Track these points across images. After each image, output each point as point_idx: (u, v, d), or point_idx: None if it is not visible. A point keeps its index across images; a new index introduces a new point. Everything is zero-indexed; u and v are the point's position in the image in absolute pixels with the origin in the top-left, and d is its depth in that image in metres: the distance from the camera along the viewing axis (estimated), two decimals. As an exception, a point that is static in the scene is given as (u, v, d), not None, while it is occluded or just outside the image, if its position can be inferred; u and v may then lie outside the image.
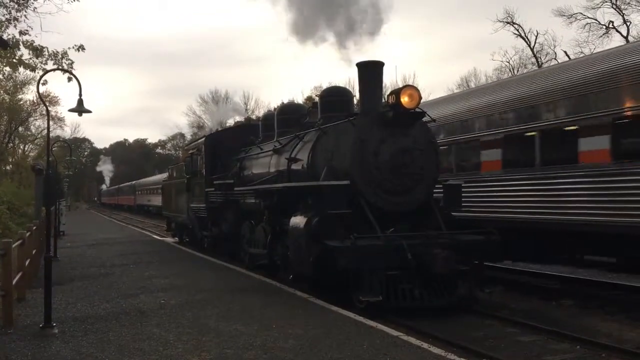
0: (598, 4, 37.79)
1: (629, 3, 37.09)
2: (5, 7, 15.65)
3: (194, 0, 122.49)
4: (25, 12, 15.82)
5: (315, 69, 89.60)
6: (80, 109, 8.49)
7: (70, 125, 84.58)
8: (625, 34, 37.93)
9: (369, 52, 12.45)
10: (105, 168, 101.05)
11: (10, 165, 48.46)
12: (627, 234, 9.29)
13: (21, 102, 45.21)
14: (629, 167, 9.20)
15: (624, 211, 9.23)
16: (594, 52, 28.73)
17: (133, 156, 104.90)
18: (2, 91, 38.51)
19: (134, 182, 62.19)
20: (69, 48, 15.60)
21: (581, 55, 30.43)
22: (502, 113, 11.97)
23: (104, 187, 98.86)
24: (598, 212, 9.71)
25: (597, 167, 9.73)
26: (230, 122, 31.59)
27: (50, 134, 10.10)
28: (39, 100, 40.00)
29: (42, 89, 13.11)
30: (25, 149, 55.89)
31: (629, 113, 9.25)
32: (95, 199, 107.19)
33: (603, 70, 9.90)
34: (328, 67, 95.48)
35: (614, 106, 9.47)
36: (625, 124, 9.34)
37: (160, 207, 35.46)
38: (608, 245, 10.11)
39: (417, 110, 9.94)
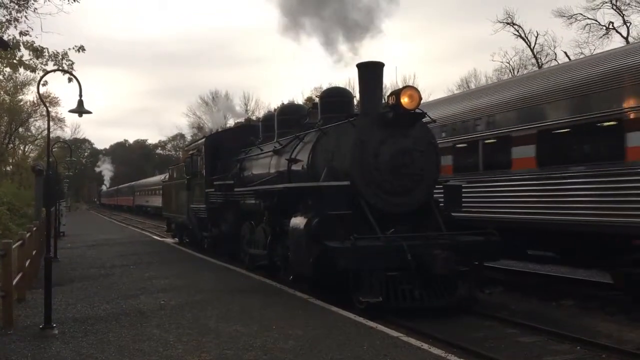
0: (598, 5, 37.82)
1: (629, 4, 37.12)
2: (6, 7, 15.68)
3: (194, 0, 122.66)
4: (26, 12, 15.87)
5: (315, 69, 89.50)
6: (80, 109, 8.50)
7: (71, 126, 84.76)
8: (625, 34, 37.99)
9: (365, 49, 12.58)
10: (105, 168, 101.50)
11: (11, 166, 48.50)
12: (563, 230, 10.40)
13: (21, 103, 45.33)
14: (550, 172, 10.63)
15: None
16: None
17: (133, 157, 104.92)
18: (2, 92, 38.56)
19: (132, 183, 63.24)
20: (69, 49, 15.66)
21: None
22: (451, 124, 13.49)
23: (103, 187, 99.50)
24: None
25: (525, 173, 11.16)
26: (230, 123, 31.59)
27: (51, 135, 10.10)
28: (39, 101, 40.13)
29: (42, 89, 13.15)
30: (26, 149, 55.97)
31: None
32: (95, 199, 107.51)
33: (532, 90, 11.47)
34: (327, 67, 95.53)
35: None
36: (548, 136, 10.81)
37: (158, 207, 36.47)
38: (549, 240, 11.12)
39: (417, 111, 9.94)
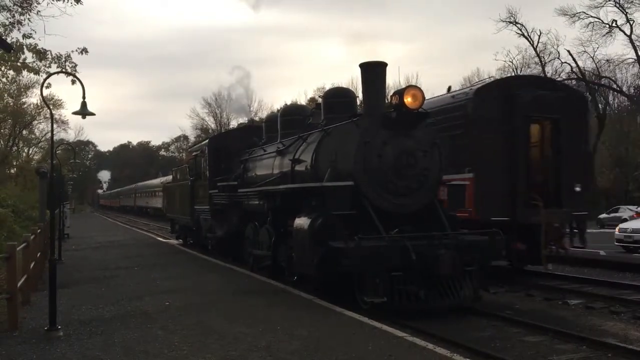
0: (601, 3, 37.74)
1: (632, 2, 37.04)
2: (9, 10, 15.70)
3: (196, 1, 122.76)
4: (29, 15, 15.87)
5: (317, 69, 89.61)
6: (83, 111, 8.50)
7: (74, 128, 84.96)
8: (628, 32, 37.88)
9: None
10: (104, 175, 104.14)
11: (15, 169, 48.61)
12: None
13: (25, 106, 45.43)
14: None
15: None
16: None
17: (137, 159, 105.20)
18: (6, 95, 38.66)
19: (118, 189, 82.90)
20: (72, 51, 15.66)
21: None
22: None
23: (100, 192, 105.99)
24: None
25: None
26: (233, 124, 31.60)
27: (54, 137, 10.11)
28: (42, 103, 40.12)
29: (45, 92, 13.10)
30: (30, 152, 56.15)
31: None
32: (95, 202, 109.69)
33: None
34: (329, 67, 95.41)
35: None
36: None
37: (132, 206, 60.20)
38: None
39: (421, 110, 9.91)
